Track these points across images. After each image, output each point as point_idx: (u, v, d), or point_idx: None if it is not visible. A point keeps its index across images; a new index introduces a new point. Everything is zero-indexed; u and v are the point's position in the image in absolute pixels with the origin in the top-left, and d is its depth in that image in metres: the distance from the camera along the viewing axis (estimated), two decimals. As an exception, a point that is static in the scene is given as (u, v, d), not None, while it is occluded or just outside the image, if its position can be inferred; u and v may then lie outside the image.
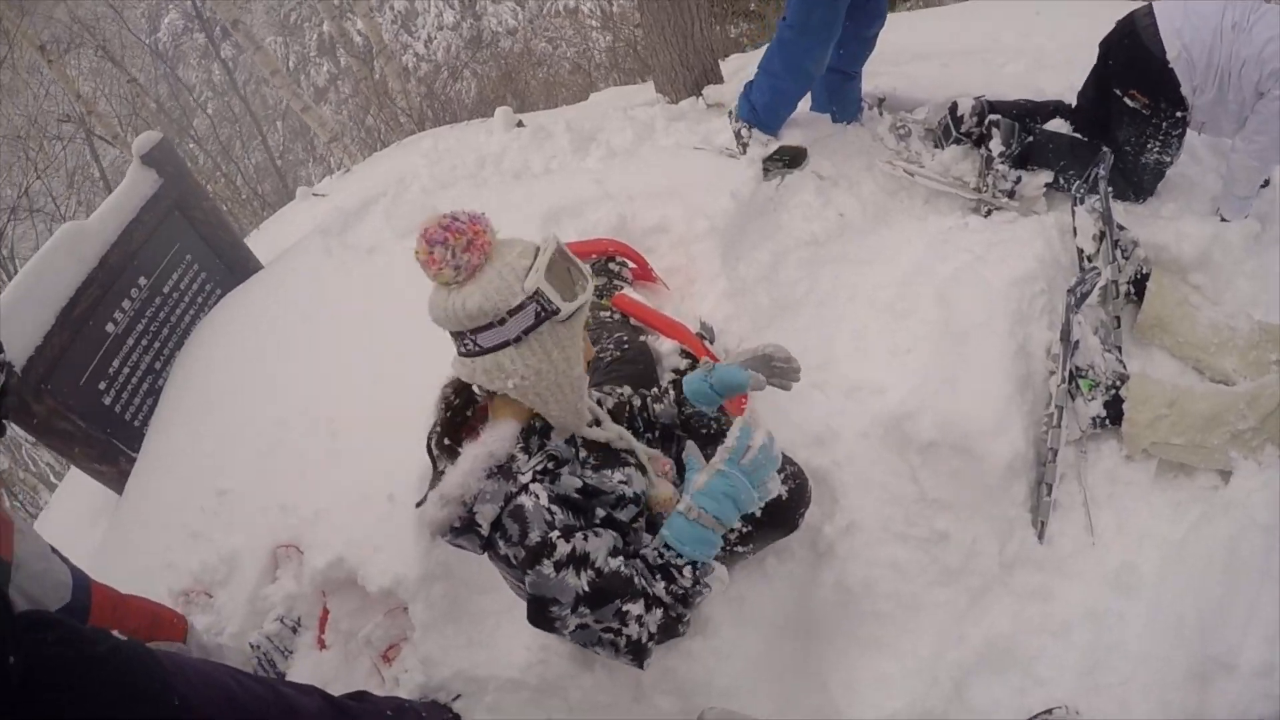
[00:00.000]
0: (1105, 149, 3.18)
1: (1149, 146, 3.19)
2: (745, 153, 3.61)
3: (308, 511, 2.77)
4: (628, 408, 2.15)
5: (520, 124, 4.85)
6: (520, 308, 1.60)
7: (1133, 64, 3.12)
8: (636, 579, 1.69)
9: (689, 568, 1.72)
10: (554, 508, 1.64)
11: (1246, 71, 2.92)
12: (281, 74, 10.79)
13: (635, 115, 4.43)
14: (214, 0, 11.57)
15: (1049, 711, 2.30)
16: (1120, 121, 3.23)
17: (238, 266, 4.62)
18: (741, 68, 4.94)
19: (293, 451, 3.03)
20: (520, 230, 2.95)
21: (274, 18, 22.13)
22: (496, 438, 1.68)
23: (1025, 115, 3.44)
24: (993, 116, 3.32)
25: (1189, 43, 2.98)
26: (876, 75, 3.89)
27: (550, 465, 1.69)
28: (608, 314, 2.83)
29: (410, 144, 6.40)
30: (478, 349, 1.64)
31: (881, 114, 3.75)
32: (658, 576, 1.71)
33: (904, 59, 4.17)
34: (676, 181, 3.51)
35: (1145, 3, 3.15)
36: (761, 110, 3.62)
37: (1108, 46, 3.23)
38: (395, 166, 5.21)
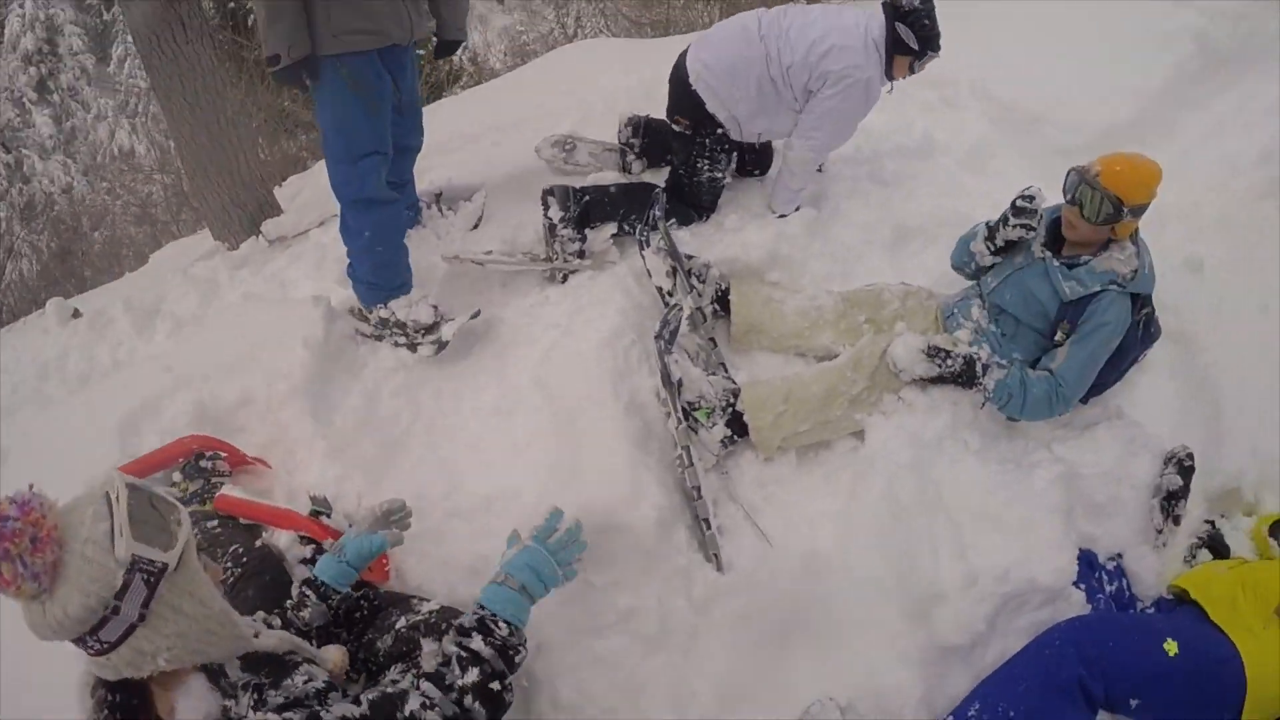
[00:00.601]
0: (657, 189, 3.32)
1: (699, 166, 3.37)
2: (420, 339, 3.13)
3: None
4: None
5: (76, 313, 4.33)
6: (126, 586, 1.39)
7: (673, 92, 3.36)
8: (392, 690, 1.68)
9: (504, 623, 1.82)
10: (287, 714, 1.56)
11: (794, 74, 3.19)
12: None
13: (196, 274, 4.10)
14: None
15: (806, 711, 2.35)
16: (675, 146, 3.42)
17: None
18: (300, 190, 4.70)
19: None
20: (100, 451, 2.67)
21: None
22: (194, 704, 1.52)
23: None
24: (545, 187, 3.36)
25: (709, 62, 3.24)
26: (430, 170, 3.83)
27: (256, 695, 1.60)
28: (214, 523, 2.56)
29: (-41, 370, 5.43)
30: (106, 646, 1.41)
31: (442, 212, 3.67)
32: (474, 635, 1.78)
33: (455, 145, 4.14)
34: (249, 344, 3.23)
35: None
36: (377, 276, 3.14)
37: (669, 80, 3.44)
38: (-56, 407, 4.36)
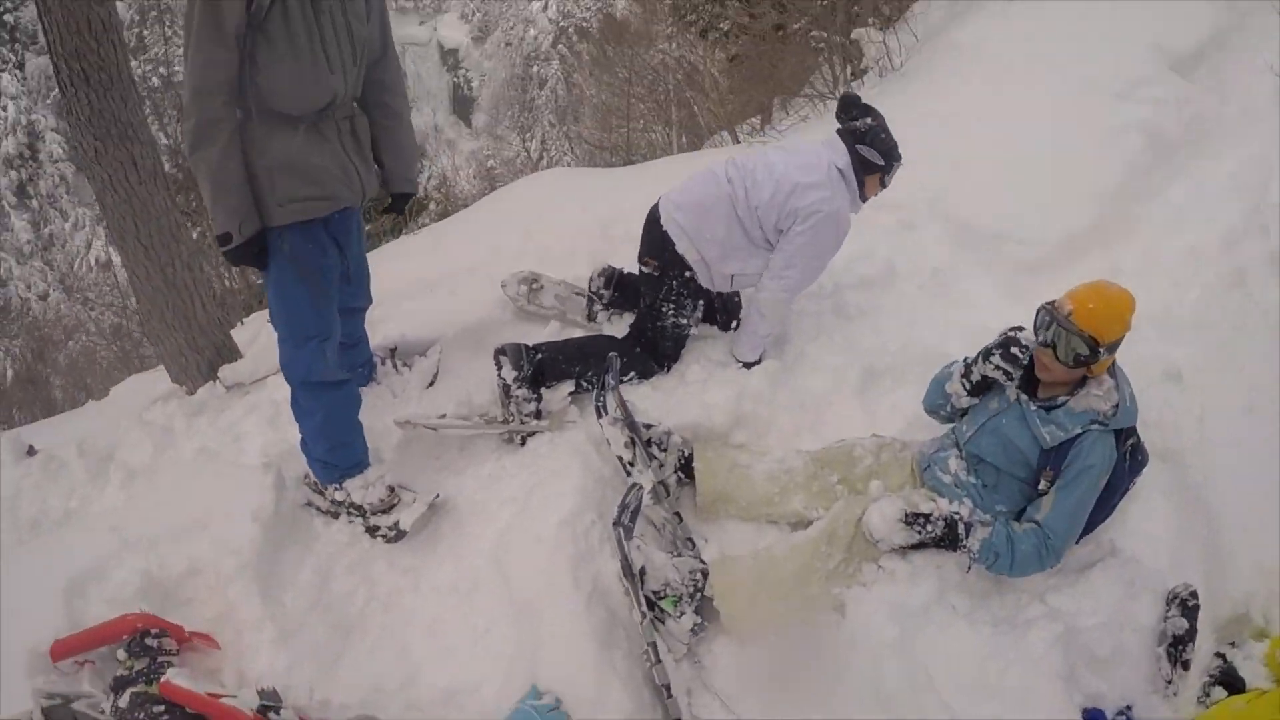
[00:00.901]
0: (612, 353, 3.20)
1: (664, 310, 3.31)
2: (377, 524, 3.00)
3: None
4: None
5: (31, 450, 4.12)
6: None
7: (645, 234, 3.33)
8: None
9: None
10: None
11: (764, 214, 3.16)
12: None
13: (152, 419, 3.95)
14: None
15: None
16: (643, 290, 3.37)
17: None
18: (259, 331, 4.58)
19: None
20: (45, 615, 2.72)
21: None
22: None
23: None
24: (497, 346, 3.26)
25: (679, 203, 3.23)
26: (384, 321, 3.73)
27: None
28: (161, 708, 2.40)
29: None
30: None
31: (397, 368, 3.55)
32: None
33: (411, 292, 4.04)
34: (200, 508, 3.08)
35: None
36: (332, 456, 2.99)
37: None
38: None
